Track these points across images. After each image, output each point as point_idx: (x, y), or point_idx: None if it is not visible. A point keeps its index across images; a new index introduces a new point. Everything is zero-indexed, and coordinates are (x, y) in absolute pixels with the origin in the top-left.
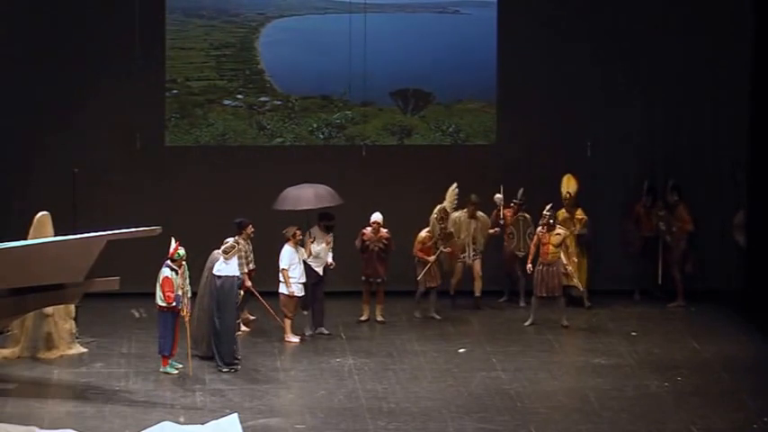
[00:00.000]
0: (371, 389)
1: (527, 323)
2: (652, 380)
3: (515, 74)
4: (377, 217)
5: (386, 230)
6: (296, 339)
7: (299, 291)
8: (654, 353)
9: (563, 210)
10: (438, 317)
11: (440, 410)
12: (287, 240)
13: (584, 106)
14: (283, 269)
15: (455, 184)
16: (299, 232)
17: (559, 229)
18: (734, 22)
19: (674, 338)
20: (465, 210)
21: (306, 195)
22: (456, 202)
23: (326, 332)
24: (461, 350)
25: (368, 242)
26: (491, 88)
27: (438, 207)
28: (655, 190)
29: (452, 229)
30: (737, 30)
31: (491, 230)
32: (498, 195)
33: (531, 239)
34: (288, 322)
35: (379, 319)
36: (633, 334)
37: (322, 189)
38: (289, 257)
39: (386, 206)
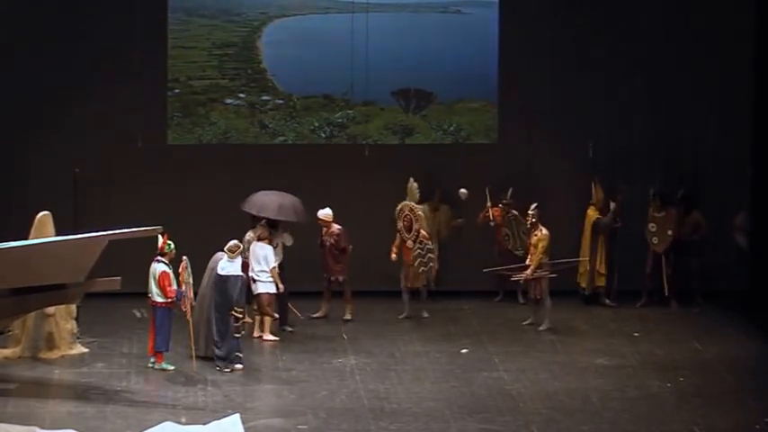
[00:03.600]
0: (373, 389)
1: (526, 322)
2: (654, 380)
3: (517, 73)
4: (321, 213)
5: (338, 227)
6: (275, 338)
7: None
8: (656, 353)
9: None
10: (425, 315)
11: (442, 411)
12: (262, 240)
13: (586, 106)
14: (273, 268)
15: (412, 179)
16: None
17: (538, 231)
18: (736, 22)
19: (676, 339)
20: (427, 203)
21: (271, 204)
22: (418, 196)
23: (290, 329)
24: (464, 351)
25: (323, 239)
26: (492, 88)
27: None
28: (689, 196)
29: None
30: (740, 30)
31: (455, 222)
32: (462, 190)
33: (527, 237)
34: (269, 321)
35: (346, 317)
36: (635, 335)
37: (288, 202)
38: (274, 256)
39: (387, 205)
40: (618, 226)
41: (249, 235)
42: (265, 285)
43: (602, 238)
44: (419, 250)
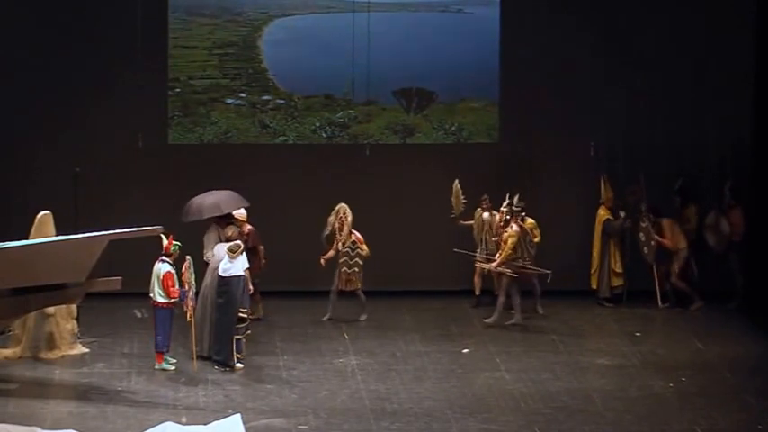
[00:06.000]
0: (375, 389)
1: (488, 320)
2: (656, 380)
3: (518, 73)
4: (236, 212)
5: (249, 227)
6: None
7: None
8: (658, 353)
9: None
10: (363, 317)
11: (443, 411)
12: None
13: (588, 105)
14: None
15: (456, 181)
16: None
17: (509, 228)
18: (738, 19)
19: (678, 339)
20: (482, 208)
21: (214, 203)
22: (463, 199)
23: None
24: (465, 350)
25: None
26: (494, 87)
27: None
28: (686, 190)
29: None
30: (741, 28)
31: (494, 238)
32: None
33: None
34: None
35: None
36: (637, 334)
37: (223, 195)
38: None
39: (388, 205)
40: (628, 227)
41: (209, 235)
42: None
43: (614, 239)
44: (348, 251)
